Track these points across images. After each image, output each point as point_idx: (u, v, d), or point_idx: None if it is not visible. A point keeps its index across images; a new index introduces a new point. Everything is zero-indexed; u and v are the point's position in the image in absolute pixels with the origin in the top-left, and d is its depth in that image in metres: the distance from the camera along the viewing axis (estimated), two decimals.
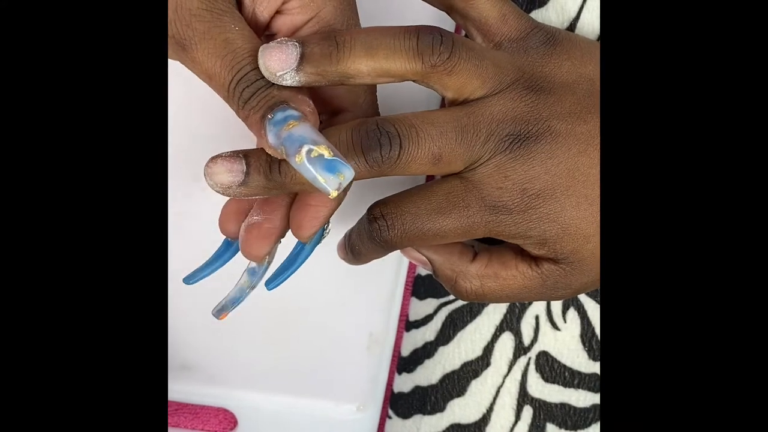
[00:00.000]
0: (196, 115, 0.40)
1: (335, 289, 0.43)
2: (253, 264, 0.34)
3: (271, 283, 0.34)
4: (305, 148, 0.27)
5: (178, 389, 0.45)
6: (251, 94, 0.29)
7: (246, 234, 0.32)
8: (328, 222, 0.33)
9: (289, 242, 0.34)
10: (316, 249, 0.34)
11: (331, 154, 0.27)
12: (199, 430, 0.46)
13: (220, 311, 0.34)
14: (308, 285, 0.37)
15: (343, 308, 0.44)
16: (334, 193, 0.28)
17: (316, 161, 0.27)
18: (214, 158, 0.30)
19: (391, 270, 0.42)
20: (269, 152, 0.29)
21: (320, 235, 0.34)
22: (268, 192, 0.30)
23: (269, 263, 0.34)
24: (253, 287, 0.34)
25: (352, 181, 0.28)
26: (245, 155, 0.30)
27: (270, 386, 0.45)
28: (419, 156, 0.30)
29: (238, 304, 0.34)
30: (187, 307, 0.43)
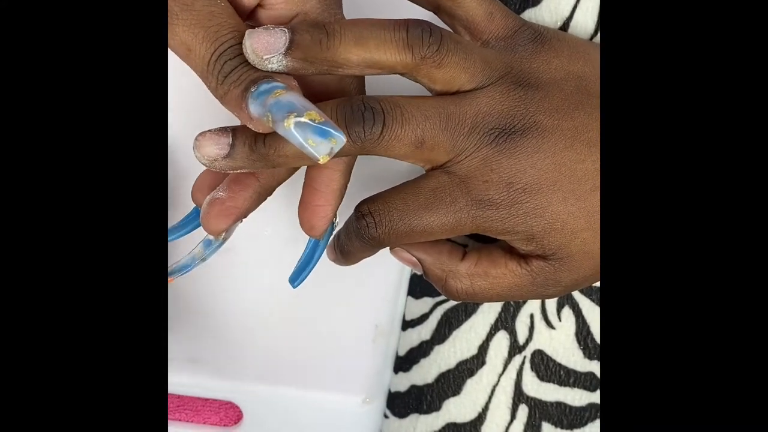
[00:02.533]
0: (197, 106, 0.40)
1: (341, 281, 0.43)
2: (210, 236, 0.34)
3: (295, 281, 0.35)
4: (294, 114, 0.27)
5: (184, 382, 0.45)
6: (233, 68, 0.29)
7: (208, 207, 0.33)
8: (335, 216, 0.34)
9: (303, 237, 0.35)
10: None
11: (322, 119, 0.27)
12: (203, 425, 0.47)
13: (169, 275, 0.35)
14: (314, 277, 0.38)
15: (349, 300, 0.45)
16: (324, 159, 0.27)
17: (305, 126, 0.27)
18: (202, 133, 0.30)
19: (395, 261, 0.42)
20: (251, 126, 0.29)
21: (331, 229, 0.35)
22: (252, 165, 0.30)
23: (225, 239, 0.34)
24: (204, 259, 0.35)
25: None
26: (232, 129, 0.30)
27: (276, 379, 0.46)
28: (402, 136, 0.31)
29: (186, 272, 0.35)
30: (193, 300, 0.44)
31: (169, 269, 0.35)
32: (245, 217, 0.34)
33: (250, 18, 0.32)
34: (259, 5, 0.31)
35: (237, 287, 0.44)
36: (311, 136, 0.27)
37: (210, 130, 0.30)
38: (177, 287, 0.41)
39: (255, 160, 0.30)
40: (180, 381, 0.45)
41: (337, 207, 0.34)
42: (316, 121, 0.27)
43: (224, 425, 0.47)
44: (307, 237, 0.35)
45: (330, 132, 0.27)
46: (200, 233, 0.35)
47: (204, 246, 0.35)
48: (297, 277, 0.35)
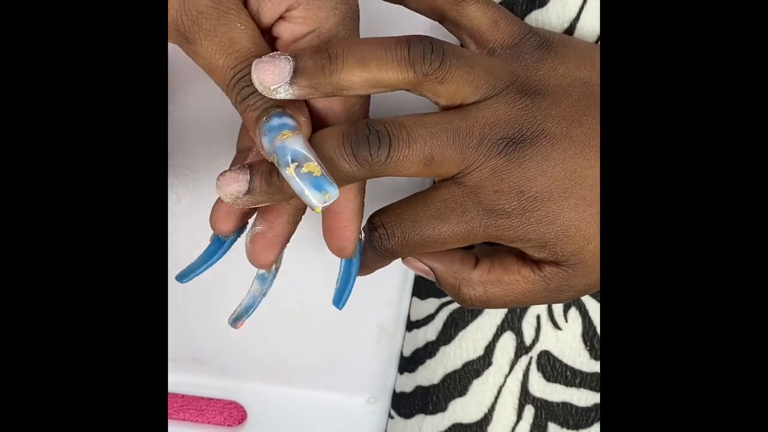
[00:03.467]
0: (198, 107, 0.40)
1: None
2: (262, 270, 0.35)
3: (339, 302, 0.35)
4: (295, 163, 0.28)
5: (189, 382, 0.45)
6: (250, 93, 0.30)
7: (252, 245, 0.33)
8: (361, 232, 0.34)
9: (306, 236, 0.35)
10: (323, 244, 0.35)
11: (320, 172, 0.29)
12: (207, 425, 0.47)
13: (236, 320, 0.35)
14: (317, 278, 0.38)
15: (353, 300, 0.44)
16: (318, 209, 0.29)
17: (305, 177, 0.28)
18: (223, 173, 0.31)
19: (399, 262, 0.42)
20: (262, 152, 0.30)
21: (359, 244, 0.35)
22: (271, 198, 0.31)
23: (277, 269, 0.35)
24: (264, 294, 0.35)
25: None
26: (250, 166, 0.31)
27: (280, 379, 0.46)
28: (410, 155, 0.31)
29: (252, 312, 0.35)
30: (197, 300, 0.44)
31: (234, 315, 0.35)
32: (288, 242, 0.34)
33: (271, 31, 0.32)
34: (281, 18, 0.31)
35: (241, 287, 0.44)
36: (308, 187, 0.28)
37: (229, 170, 0.31)
38: (181, 287, 0.41)
39: (273, 193, 0.31)
40: (184, 381, 0.45)
41: (360, 224, 0.34)
42: (315, 174, 0.28)
43: (228, 425, 0.47)
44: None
45: (324, 186, 0.29)
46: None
47: (260, 281, 0.35)
48: (340, 298, 0.35)
